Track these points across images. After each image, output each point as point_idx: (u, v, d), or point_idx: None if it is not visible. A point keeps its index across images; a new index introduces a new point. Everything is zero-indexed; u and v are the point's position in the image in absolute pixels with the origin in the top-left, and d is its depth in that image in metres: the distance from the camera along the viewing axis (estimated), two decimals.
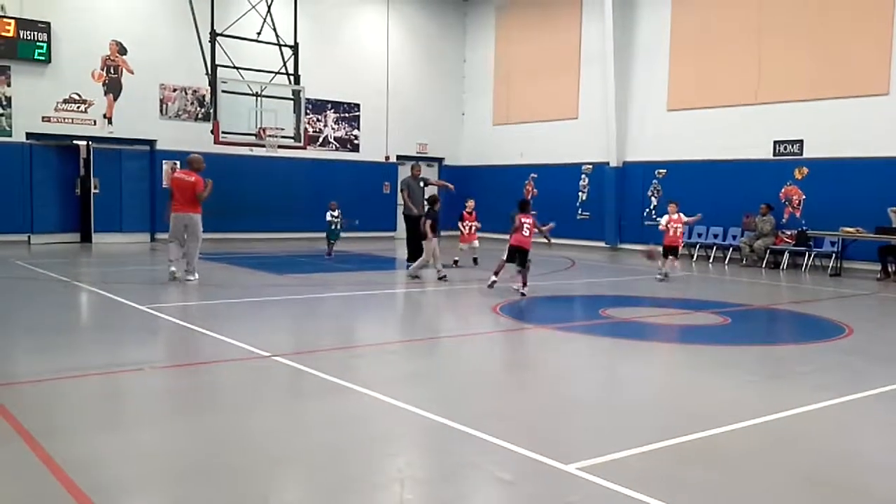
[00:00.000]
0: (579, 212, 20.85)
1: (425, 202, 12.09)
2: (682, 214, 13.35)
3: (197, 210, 11.41)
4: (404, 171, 18.68)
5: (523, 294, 10.68)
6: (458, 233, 15.67)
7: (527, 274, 10.88)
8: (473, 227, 15.11)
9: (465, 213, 15.25)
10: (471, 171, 23.97)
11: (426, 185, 15.39)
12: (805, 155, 16.20)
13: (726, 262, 16.84)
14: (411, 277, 12.46)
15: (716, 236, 17.50)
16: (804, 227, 15.79)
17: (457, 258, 14.85)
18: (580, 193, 21.01)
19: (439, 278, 12.25)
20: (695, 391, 6.00)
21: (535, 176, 22.18)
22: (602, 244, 20.08)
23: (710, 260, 17.26)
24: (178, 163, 13.95)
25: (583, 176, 20.95)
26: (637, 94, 19.56)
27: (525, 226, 11.02)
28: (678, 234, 13.29)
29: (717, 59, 17.67)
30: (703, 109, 17.98)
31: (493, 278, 11.22)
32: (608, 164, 19.96)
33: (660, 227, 13.53)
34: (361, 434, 4.66)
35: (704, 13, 17.99)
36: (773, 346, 8.33)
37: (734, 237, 17.05)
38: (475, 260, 14.72)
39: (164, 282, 11.36)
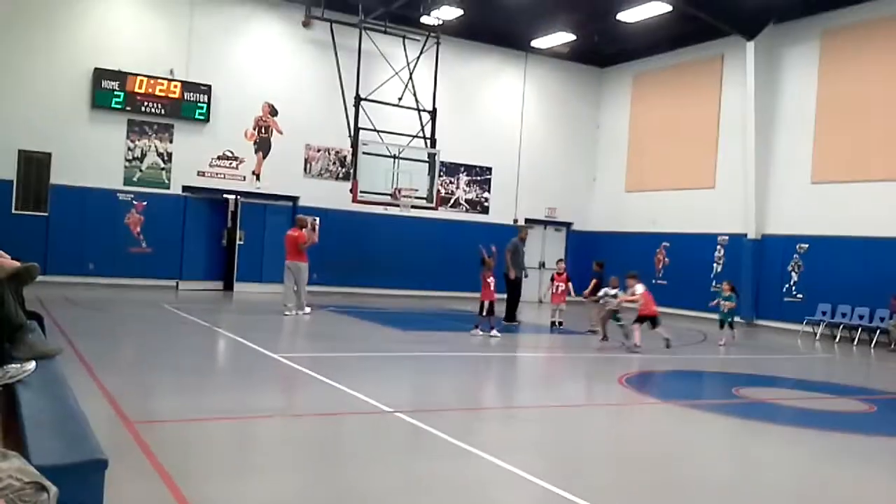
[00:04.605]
0: (713, 283, 20.12)
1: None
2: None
3: (302, 259, 14.09)
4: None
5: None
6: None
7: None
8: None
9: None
10: (600, 237, 23.74)
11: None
12: None
13: (872, 345, 15.74)
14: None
15: (861, 317, 16.38)
16: None
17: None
18: (715, 265, 20.33)
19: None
20: (834, 483, 5.62)
21: (668, 244, 21.69)
22: (737, 319, 19.27)
23: (855, 342, 16.19)
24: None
25: (718, 247, 20.30)
26: (779, 164, 18.87)
27: None
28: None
29: (866, 130, 16.82)
30: (851, 183, 17.09)
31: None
32: (746, 235, 19.27)
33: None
34: (479, 500, 4.64)
35: (853, 81, 17.24)
36: None
37: (882, 319, 15.93)
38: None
39: (292, 328, 11.92)
